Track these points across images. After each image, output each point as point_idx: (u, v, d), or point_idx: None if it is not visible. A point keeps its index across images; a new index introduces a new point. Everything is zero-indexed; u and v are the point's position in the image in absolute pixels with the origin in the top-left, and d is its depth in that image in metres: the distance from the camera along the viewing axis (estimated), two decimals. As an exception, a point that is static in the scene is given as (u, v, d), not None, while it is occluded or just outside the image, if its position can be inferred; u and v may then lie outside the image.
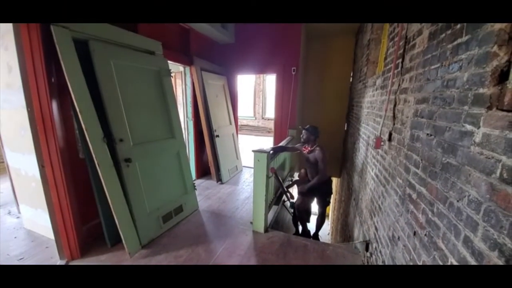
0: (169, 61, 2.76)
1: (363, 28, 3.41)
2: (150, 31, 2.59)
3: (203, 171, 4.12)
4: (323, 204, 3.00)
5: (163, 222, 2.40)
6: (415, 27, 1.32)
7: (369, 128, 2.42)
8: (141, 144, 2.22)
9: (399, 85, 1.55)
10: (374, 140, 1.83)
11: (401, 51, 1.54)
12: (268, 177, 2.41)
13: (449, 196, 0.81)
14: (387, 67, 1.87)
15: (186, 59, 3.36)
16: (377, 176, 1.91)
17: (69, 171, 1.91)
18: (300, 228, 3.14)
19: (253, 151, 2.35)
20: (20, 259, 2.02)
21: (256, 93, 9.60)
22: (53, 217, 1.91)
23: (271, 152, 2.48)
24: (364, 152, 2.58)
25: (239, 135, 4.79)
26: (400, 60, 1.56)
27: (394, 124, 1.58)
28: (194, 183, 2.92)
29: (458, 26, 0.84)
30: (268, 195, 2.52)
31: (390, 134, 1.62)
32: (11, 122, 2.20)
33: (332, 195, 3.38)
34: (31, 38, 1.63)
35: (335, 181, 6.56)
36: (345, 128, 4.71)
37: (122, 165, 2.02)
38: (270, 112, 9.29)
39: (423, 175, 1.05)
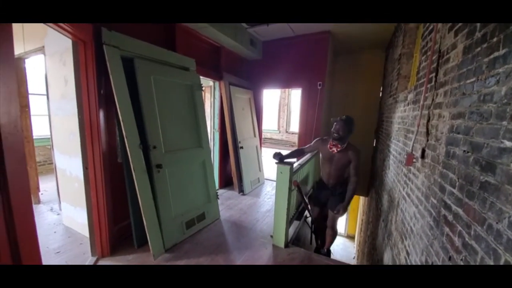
0: (201, 76, 2.96)
1: (393, 43, 3.34)
2: (186, 49, 2.84)
3: (226, 182, 4.20)
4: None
5: (186, 228, 2.47)
6: (448, 41, 1.28)
7: (400, 144, 2.30)
8: (171, 152, 2.37)
9: (432, 99, 1.48)
10: (405, 156, 1.73)
11: (435, 65, 1.49)
12: (290, 190, 2.39)
13: (488, 217, 0.74)
14: (420, 82, 1.80)
15: (216, 75, 3.57)
16: (408, 195, 1.79)
17: (108, 174, 2.09)
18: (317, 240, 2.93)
19: (276, 163, 2.36)
20: (57, 252, 2.22)
21: (281, 107, 9.69)
22: (90, 216, 2.08)
23: (295, 164, 2.44)
24: (394, 169, 2.44)
25: (262, 148, 4.84)
26: (433, 74, 1.50)
27: (427, 140, 1.49)
28: (217, 192, 2.99)
29: (495, 39, 0.81)
30: (290, 209, 2.48)
31: (423, 151, 1.54)
32: (63, 128, 2.50)
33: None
34: (87, 55, 1.89)
35: (362, 201, 6.20)
36: (374, 144, 4.51)
37: (154, 170, 2.16)
38: (294, 126, 9.25)
39: (459, 194, 0.97)
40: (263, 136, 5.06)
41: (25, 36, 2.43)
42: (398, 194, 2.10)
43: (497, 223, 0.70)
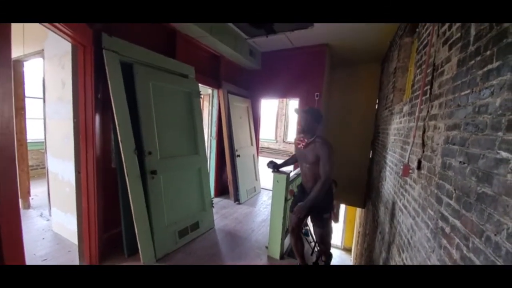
0: (200, 84, 2.98)
1: (389, 57, 3.43)
2: (186, 57, 2.87)
3: (222, 190, 4.15)
4: (319, 224, 2.11)
5: (179, 237, 2.41)
6: (443, 54, 1.31)
7: (396, 156, 2.31)
8: (167, 158, 2.34)
9: (428, 111, 1.50)
10: (402, 167, 1.73)
11: (429, 78, 1.52)
12: (286, 199, 2.36)
13: (486, 229, 0.73)
14: (415, 94, 1.84)
15: (215, 83, 3.60)
16: (405, 207, 1.78)
17: (101, 179, 2.05)
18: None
19: (272, 171, 2.35)
20: (44, 260, 2.13)
21: (278, 117, 9.75)
22: (80, 222, 2.02)
23: (292, 173, 2.40)
24: (391, 181, 2.44)
25: (259, 157, 4.82)
26: (428, 87, 1.53)
27: (423, 151, 1.50)
28: (212, 201, 2.94)
29: (488, 52, 0.83)
30: (286, 219, 2.44)
31: (420, 162, 1.54)
32: (57, 131, 2.47)
33: (332, 211, 2.28)
34: (85, 59, 1.89)
35: (358, 212, 6.14)
36: (370, 156, 4.53)
37: (148, 176, 2.13)
38: (292, 136, 9.29)
39: (456, 206, 0.97)
40: (260, 145, 5.06)
41: (25, 39, 2.43)
42: (395, 206, 2.08)
43: (495, 235, 0.68)
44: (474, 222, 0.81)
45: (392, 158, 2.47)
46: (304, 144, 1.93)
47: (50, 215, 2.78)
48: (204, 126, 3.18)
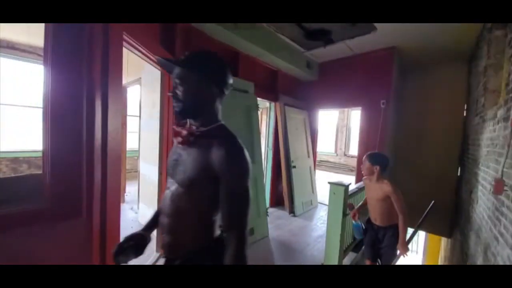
0: (258, 98, 3.20)
1: (476, 54, 2.87)
2: (247, 74, 3.15)
3: (277, 201, 4.18)
4: None
5: (236, 241, 2.56)
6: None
7: (490, 171, 1.88)
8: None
9: (529, 114, 1.20)
10: (493, 183, 1.41)
11: (530, 73, 1.23)
12: (345, 214, 2.21)
13: None
14: (510, 95, 1.49)
15: (272, 96, 3.78)
16: (501, 234, 1.41)
17: (175, 180, 2.43)
18: None
19: (329, 182, 2.26)
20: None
21: (339, 129, 9.24)
22: (159, 216, 2.42)
23: (352, 187, 2.23)
24: (483, 203, 1.98)
25: (317, 171, 4.66)
26: (529, 85, 1.23)
27: (525, 164, 1.20)
28: (267, 210, 3.02)
29: None
30: (345, 236, 2.28)
31: (520, 178, 1.23)
32: (148, 142, 3.07)
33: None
34: (170, 83, 2.35)
35: (443, 243, 4.99)
36: (458, 174, 3.74)
37: (211, 180, 2.39)
38: (354, 149, 8.60)
39: None
40: (319, 159, 4.91)
41: (128, 70, 3.19)
42: (488, 233, 1.67)
43: None
44: None
45: (485, 175, 2.01)
46: (185, 135, 0.83)
47: (138, 209, 3.42)
48: (262, 138, 3.36)
